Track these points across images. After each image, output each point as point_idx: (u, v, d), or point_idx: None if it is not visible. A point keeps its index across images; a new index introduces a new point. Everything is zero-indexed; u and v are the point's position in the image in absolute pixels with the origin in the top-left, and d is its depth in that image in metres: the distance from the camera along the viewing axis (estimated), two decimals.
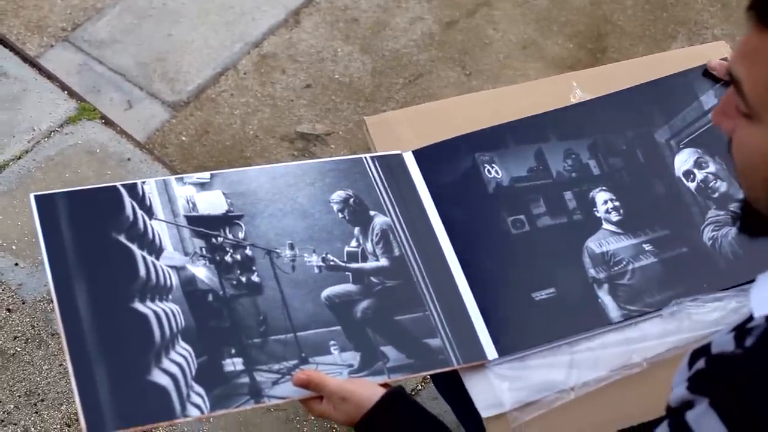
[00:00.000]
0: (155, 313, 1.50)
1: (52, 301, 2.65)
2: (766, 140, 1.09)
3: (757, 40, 1.07)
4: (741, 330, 1.18)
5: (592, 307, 1.70)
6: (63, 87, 3.20)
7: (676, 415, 1.20)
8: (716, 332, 1.30)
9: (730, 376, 1.13)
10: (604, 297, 1.71)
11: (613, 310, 1.70)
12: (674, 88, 1.93)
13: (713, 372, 1.17)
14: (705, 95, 1.91)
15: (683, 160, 1.86)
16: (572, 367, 1.64)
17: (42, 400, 2.56)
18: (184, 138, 3.14)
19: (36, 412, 2.53)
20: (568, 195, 1.82)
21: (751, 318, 1.20)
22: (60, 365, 2.61)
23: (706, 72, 1.93)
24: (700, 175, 1.85)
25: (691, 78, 1.94)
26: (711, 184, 1.83)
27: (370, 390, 1.50)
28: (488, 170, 1.83)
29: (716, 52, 2.01)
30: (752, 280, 1.19)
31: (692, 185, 1.84)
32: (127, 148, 3.05)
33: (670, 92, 1.93)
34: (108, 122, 3.12)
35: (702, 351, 1.24)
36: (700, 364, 1.20)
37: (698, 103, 1.90)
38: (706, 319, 1.69)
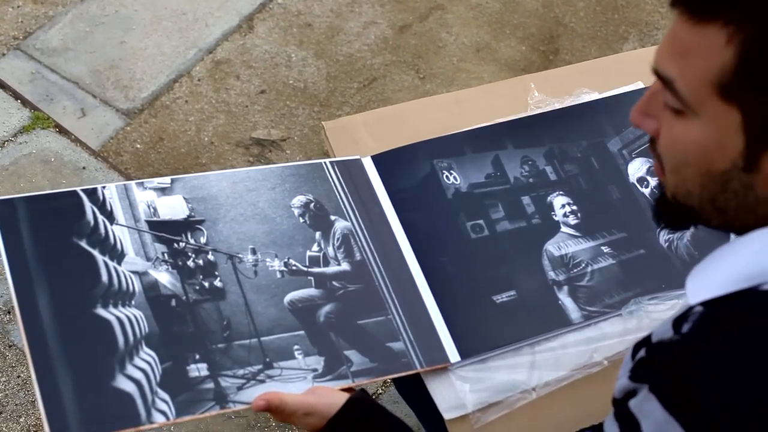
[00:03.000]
0: (118, 318, 1.49)
1: (8, 312, 2.66)
2: (703, 134, 1.13)
3: (688, 35, 1.10)
4: (679, 318, 1.21)
5: (552, 308, 1.71)
6: (16, 96, 3.18)
7: (620, 404, 1.22)
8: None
9: (667, 361, 1.15)
10: (565, 298, 1.72)
11: (573, 311, 1.71)
12: (623, 105, 1.96)
13: (652, 359, 1.19)
14: None
15: (636, 168, 1.89)
16: (534, 367, 1.65)
17: (0, 413, 2.54)
18: (138, 145, 3.13)
19: None
20: (526, 200, 1.84)
21: (691, 309, 1.22)
22: (18, 377, 2.59)
23: None
24: (653, 181, 1.87)
25: (638, 97, 1.96)
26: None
27: (332, 398, 1.49)
28: (447, 176, 1.84)
29: None
30: None
31: (646, 191, 1.86)
32: (81, 157, 3.04)
33: (619, 108, 1.96)
34: (62, 131, 3.10)
35: (643, 342, 1.26)
36: (641, 353, 1.22)
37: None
38: (665, 317, 1.69)
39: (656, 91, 1.20)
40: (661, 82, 1.16)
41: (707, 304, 1.17)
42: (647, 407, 1.15)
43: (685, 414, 1.11)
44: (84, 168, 3.01)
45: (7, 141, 3.06)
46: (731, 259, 1.19)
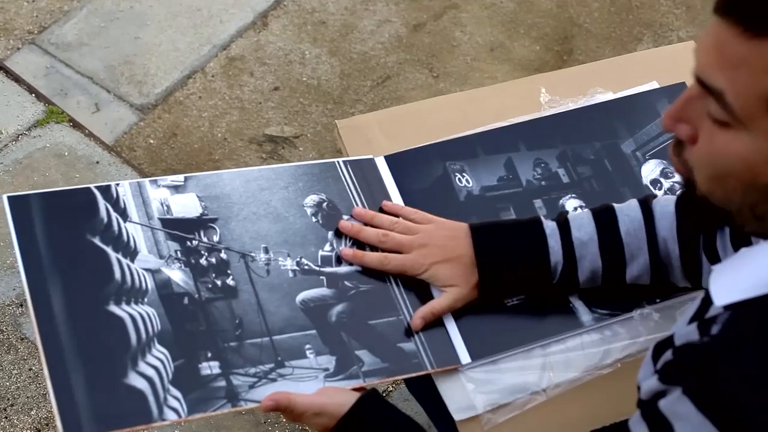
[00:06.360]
0: (131, 315, 1.50)
1: (21, 305, 2.67)
2: (751, 148, 1.10)
3: (740, 48, 1.06)
4: (701, 320, 1.20)
5: (563, 310, 1.70)
6: (30, 90, 3.19)
7: (648, 405, 1.22)
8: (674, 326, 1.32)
9: (700, 363, 1.15)
10: (575, 301, 1.71)
11: (584, 314, 1.70)
12: (637, 106, 1.95)
13: (683, 361, 1.19)
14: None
15: (650, 170, 1.88)
16: (545, 369, 1.65)
17: (12, 405, 2.55)
18: (152, 141, 3.14)
19: (6, 417, 2.52)
20: (538, 203, 1.83)
21: (705, 309, 1.22)
22: (30, 369, 2.60)
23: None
24: (666, 183, 1.86)
25: (653, 97, 1.97)
26: (678, 192, 1.84)
27: (342, 397, 1.49)
28: (459, 179, 1.83)
29: (686, 53, 2.04)
30: None
31: (660, 193, 1.85)
32: (95, 151, 3.05)
33: (633, 109, 1.95)
34: (76, 125, 3.11)
35: (665, 344, 1.26)
36: (668, 356, 1.22)
37: (660, 120, 1.91)
38: (676, 318, 1.70)
39: (694, 96, 1.15)
40: (704, 90, 1.12)
41: (735, 307, 1.17)
42: (681, 409, 1.16)
43: (720, 416, 1.11)
44: (97, 162, 3.02)
45: (21, 135, 3.07)
46: (761, 263, 1.17)
